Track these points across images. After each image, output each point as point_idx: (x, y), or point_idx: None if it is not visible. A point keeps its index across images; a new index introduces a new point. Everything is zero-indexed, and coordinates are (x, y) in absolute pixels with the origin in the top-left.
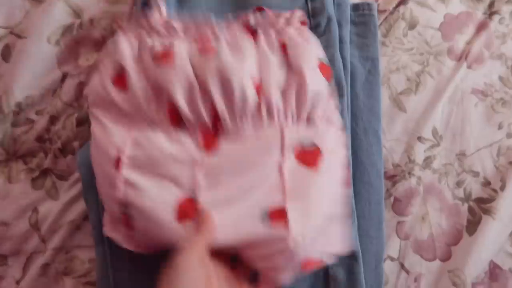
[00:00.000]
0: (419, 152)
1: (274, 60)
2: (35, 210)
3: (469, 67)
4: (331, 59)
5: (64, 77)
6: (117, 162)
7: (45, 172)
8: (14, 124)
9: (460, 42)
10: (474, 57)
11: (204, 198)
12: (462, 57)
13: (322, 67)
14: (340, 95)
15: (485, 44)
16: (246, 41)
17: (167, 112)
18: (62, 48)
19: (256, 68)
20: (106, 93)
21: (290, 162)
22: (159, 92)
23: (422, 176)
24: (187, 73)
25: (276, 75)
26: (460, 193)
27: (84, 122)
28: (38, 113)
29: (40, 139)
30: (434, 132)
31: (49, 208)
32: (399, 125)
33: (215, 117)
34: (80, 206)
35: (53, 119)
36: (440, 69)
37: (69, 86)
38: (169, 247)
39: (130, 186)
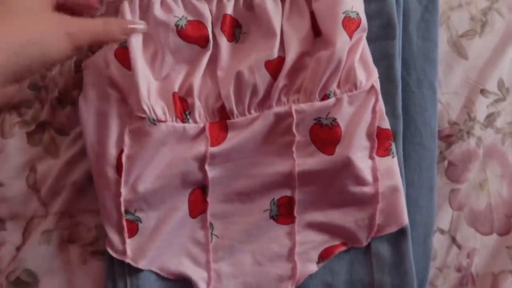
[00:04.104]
0: (481, 108)
1: (299, 33)
2: (33, 169)
3: None
4: None
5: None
6: (118, 166)
7: (42, 126)
8: None
9: None
10: None
11: (213, 191)
12: None
13: (346, 22)
14: (391, 36)
15: None
16: (274, 12)
17: (174, 101)
18: None
19: (277, 48)
20: (106, 67)
21: (304, 142)
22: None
23: (482, 137)
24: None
25: (298, 49)
26: None
27: None
28: None
29: (34, 87)
30: (500, 84)
31: (48, 167)
32: (458, 75)
33: (222, 105)
34: (83, 165)
35: None
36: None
37: None
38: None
39: (133, 189)
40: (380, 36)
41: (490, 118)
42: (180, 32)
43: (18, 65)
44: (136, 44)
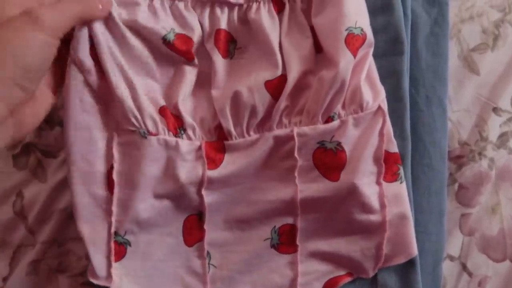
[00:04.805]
0: (494, 127)
1: (299, 51)
2: (19, 194)
3: None
4: (388, 3)
5: None
6: (110, 183)
7: (27, 148)
8: None
9: None
10: None
11: (211, 217)
12: None
13: (349, 40)
14: (399, 52)
15: None
16: (271, 28)
17: (164, 115)
18: None
19: (277, 67)
20: (84, 72)
21: (307, 167)
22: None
23: (495, 158)
24: None
25: (299, 67)
26: None
27: None
28: None
29: None
30: None
31: (36, 192)
32: (469, 91)
33: (219, 124)
34: None
35: None
36: None
37: None
38: None
39: (124, 208)
40: (387, 52)
41: (503, 138)
42: (168, 46)
43: (17, 74)
44: (107, 49)
